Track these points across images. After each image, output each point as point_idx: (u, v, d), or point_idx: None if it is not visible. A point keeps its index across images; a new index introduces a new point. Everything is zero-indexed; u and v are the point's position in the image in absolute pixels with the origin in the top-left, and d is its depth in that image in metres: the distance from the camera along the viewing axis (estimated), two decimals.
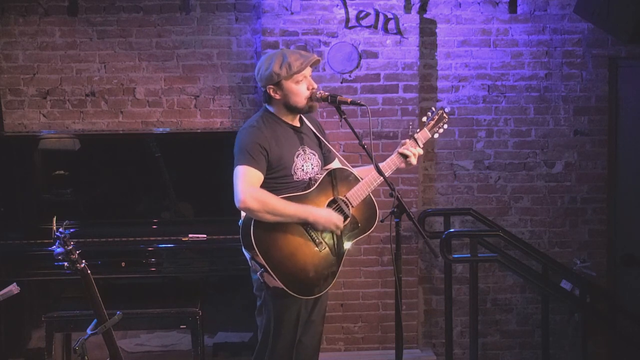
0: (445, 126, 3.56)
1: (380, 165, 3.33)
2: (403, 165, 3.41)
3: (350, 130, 3.33)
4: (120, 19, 5.04)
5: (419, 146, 3.44)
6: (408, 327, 4.86)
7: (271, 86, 3.29)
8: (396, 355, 3.29)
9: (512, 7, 5.11)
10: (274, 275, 3.15)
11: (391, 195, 3.16)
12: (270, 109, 3.37)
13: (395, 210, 3.14)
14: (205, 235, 4.52)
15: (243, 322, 4.99)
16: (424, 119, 3.53)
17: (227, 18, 5.07)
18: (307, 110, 3.34)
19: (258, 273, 3.22)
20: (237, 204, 3.16)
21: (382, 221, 3.29)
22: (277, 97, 3.30)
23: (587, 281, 4.83)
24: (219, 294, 5.20)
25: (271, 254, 3.16)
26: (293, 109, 3.32)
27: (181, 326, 4.51)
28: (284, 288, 3.16)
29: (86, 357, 3.25)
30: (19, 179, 4.76)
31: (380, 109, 4.94)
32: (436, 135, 3.54)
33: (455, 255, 4.84)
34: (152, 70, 5.07)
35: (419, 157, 3.46)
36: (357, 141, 3.28)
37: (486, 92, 5.17)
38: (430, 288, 5.24)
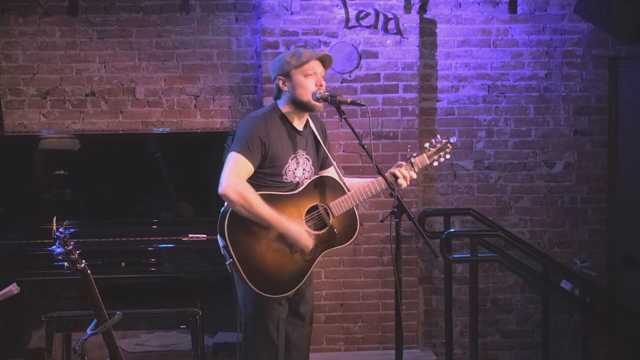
0: (448, 156, 3.53)
1: (369, 182, 3.35)
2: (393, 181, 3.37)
3: (350, 130, 3.33)
4: (120, 19, 5.04)
5: (414, 170, 3.40)
6: (408, 327, 4.86)
7: (281, 77, 3.32)
8: (396, 355, 3.28)
9: (512, 7, 5.11)
10: (240, 268, 3.17)
11: (391, 195, 3.16)
12: (280, 105, 3.37)
13: (395, 210, 3.14)
14: (205, 235, 4.52)
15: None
16: (427, 144, 3.50)
17: (227, 18, 5.08)
18: (312, 108, 3.33)
19: (227, 262, 3.24)
20: (219, 190, 3.17)
21: (382, 221, 3.29)
22: (285, 88, 3.32)
23: (587, 281, 4.83)
24: (219, 294, 5.20)
25: (241, 247, 3.18)
26: (298, 104, 3.31)
27: (181, 326, 4.51)
28: (247, 281, 3.18)
29: (86, 357, 3.25)
30: (19, 179, 4.76)
31: (380, 109, 4.94)
32: (435, 164, 3.52)
33: (455, 255, 4.84)
34: (152, 70, 5.07)
35: (411, 180, 3.40)
36: (357, 141, 3.28)
37: (486, 92, 5.17)
38: (430, 288, 5.25)
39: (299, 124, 3.39)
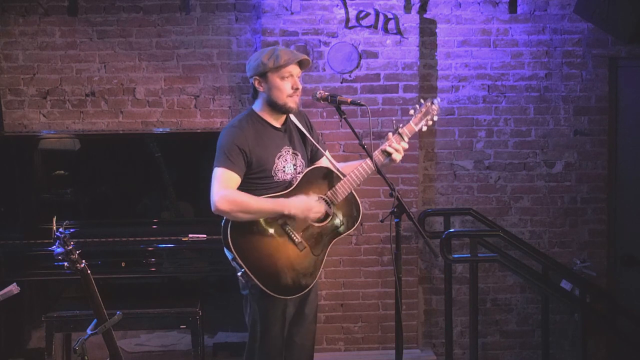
0: (435, 118, 3.48)
1: (362, 162, 3.32)
2: (387, 161, 3.35)
3: (350, 130, 3.33)
4: (120, 19, 5.04)
5: (404, 140, 3.38)
6: (408, 327, 4.86)
7: (257, 77, 3.29)
8: (396, 355, 3.28)
9: (512, 7, 5.11)
10: (252, 276, 3.16)
11: (391, 195, 3.16)
12: (256, 107, 3.36)
13: (395, 210, 3.14)
14: (205, 235, 4.52)
15: (243, 322, 4.96)
16: (411, 111, 3.47)
17: (227, 18, 5.07)
18: (287, 110, 3.31)
19: (239, 273, 3.23)
20: (212, 208, 3.17)
21: (382, 221, 3.30)
22: (261, 89, 3.30)
23: (587, 281, 4.83)
24: (219, 294, 5.20)
25: (249, 255, 3.17)
26: (274, 105, 3.30)
27: (181, 326, 4.51)
28: (263, 288, 3.17)
29: (86, 357, 3.24)
30: (19, 179, 4.76)
31: (380, 109, 4.94)
32: (424, 128, 3.48)
33: (455, 255, 4.84)
34: (152, 70, 5.07)
35: (404, 150, 3.37)
36: (357, 141, 3.27)
37: (486, 92, 5.17)
38: (430, 288, 5.24)
39: (277, 122, 3.37)
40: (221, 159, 3.23)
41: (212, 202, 3.16)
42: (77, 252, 3.20)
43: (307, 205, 3.23)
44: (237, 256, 3.15)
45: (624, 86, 5.18)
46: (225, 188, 3.17)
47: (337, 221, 3.36)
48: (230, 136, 3.26)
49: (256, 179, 3.28)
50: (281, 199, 3.21)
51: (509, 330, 5.29)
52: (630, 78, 5.16)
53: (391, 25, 4.89)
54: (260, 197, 3.20)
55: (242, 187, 3.25)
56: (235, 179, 3.21)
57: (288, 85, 3.27)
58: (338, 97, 3.31)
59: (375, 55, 4.91)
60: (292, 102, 3.30)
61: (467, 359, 5.01)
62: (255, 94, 3.35)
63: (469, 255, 4.79)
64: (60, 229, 3.19)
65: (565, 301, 4.77)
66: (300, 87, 3.31)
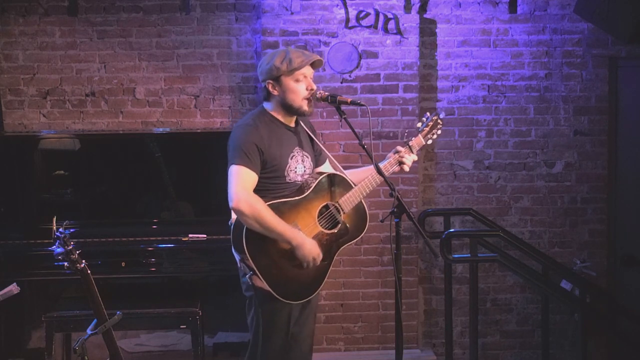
0: (439, 132, 3.60)
1: (372, 173, 3.36)
2: (397, 169, 3.45)
3: (350, 130, 3.33)
4: (120, 19, 5.04)
5: (413, 153, 3.47)
6: (408, 327, 4.86)
7: (270, 81, 3.27)
8: (396, 355, 3.28)
9: (512, 7, 5.11)
10: (262, 280, 3.15)
11: (391, 195, 3.16)
12: (268, 107, 3.35)
13: (395, 210, 3.14)
14: (205, 235, 4.52)
15: (243, 322, 4.92)
16: (419, 124, 3.56)
17: (227, 18, 5.08)
18: (302, 113, 3.32)
19: (247, 276, 3.21)
20: (230, 204, 3.13)
21: (382, 221, 3.29)
22: (275, 92, 3.28)
23: (587, 281, 4.83)
24: (219, 294, 5.21)
25: (261, 259, 3.15)
26: (289, 108, 3.29)
27: (181, 326, 4.52)
28: (272, 292, 3.16)
29: (86, 357, 3.25)
30: (19, 179, 4.76)
31: (380, 109, 4.94)
32: (429, 142, 3.58)
33: (455, 255, 4.84)
34: (152, 70, 5.07)
35: (413, 162, 3.50)
36: (357, 141, 3.28)
37: (486, 92, 5.17)
38: (430, 288, 5.25)
39: (290, 123, 3.37)
40: (240, 156, 3.17)
41: (231, 199, 3.12)
42: (77, 252, 3.20)
43: (314, 252, 3.22)
44: (250, 259, 3.12)
45: (624, 86, 5.18)
46: (245, 188, 3.14)
47: (345, 229, 3.37)
48: (248, 134, 3.22)
49: (269, 179, 3.25)
50: (295, 231, 3.18)
51: (509, 330, 5.30)
52: (630, 78, 5.17)
53: (391, 25, 4.89)
54: (278, 216, 3.15)
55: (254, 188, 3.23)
56: (254, 178, 3.19)
57: (302, 87, 3.27)
58: (338, 97, 3.31)
59: (375, 55, 4.91)
60: (307, 105, 3.29)
61: (467, 359, 5.01)
62: (267, 96, 3.33)
63: (469, 255, 4.79)
64: (60, 229, 3.19)
65: (565, 301, 4.77)
66: (314, 87, 3.31)
